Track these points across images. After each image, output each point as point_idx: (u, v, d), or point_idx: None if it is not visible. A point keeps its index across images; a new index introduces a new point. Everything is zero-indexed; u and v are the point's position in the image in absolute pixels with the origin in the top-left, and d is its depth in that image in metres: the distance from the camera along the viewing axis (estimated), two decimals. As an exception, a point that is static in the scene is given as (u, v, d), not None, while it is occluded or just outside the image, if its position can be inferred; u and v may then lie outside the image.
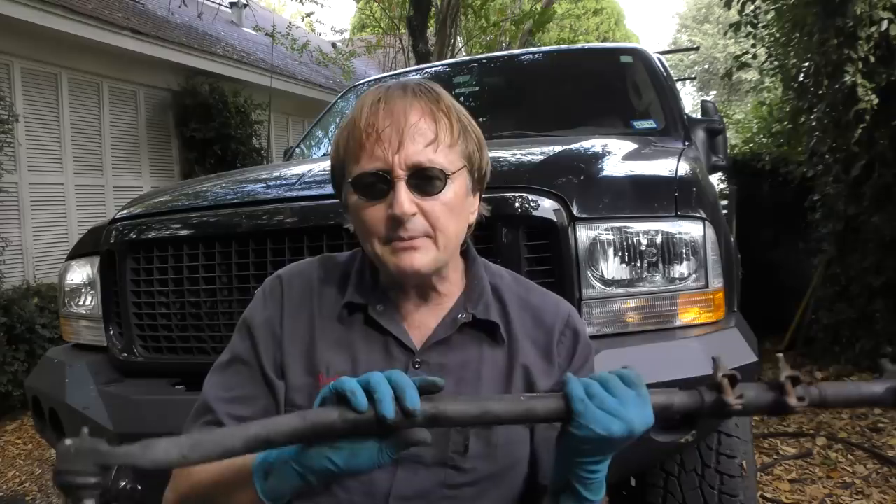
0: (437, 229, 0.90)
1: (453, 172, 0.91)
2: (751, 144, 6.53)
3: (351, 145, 0.91)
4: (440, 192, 0.90)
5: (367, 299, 0.97)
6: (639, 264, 1.60)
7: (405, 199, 0.87)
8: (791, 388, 0.78)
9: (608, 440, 0.76)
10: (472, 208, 0.98)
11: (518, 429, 0.94)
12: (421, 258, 0.89)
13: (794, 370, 0.78)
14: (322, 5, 13.27)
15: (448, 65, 4.04)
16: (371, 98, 0.92)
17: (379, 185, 0.88)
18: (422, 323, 0.97)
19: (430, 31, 9.86)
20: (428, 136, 0.89)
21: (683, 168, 1.81)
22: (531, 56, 3.99)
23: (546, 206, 1.58)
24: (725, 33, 6.08)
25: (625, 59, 3.37)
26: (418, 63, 8.28)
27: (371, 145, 0.88)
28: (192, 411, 0.99)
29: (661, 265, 1.60)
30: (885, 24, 3.62)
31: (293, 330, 0.97)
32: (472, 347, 0.96)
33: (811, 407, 0.79)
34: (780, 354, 0.85)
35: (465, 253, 1.01)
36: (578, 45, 9.25)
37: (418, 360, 0.94)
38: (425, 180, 0.89)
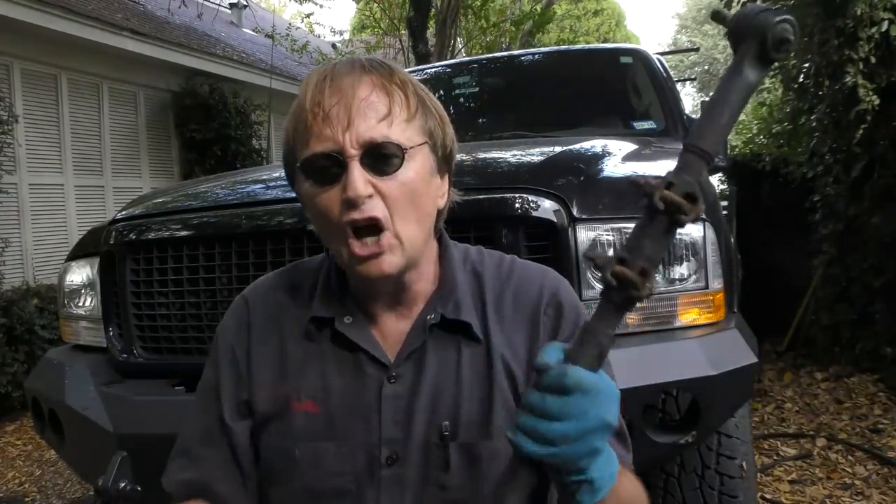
0: (395, 214, 0.81)
1: (411, 148, 0.83)
2: (751, 145, 6.53)
3: (298, 129, 0.83)
4: (397, 170, 0.81)
5: (333, 311, 0.89)
6: (639, 265, 1.59)
7: (359, 178, 0.79)
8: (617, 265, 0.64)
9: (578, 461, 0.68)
10: (441, 192, 0.90)
11: (503, 440, 0.84)
12: (390, 259, 0.82)
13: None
14: (321, 6, 13.27)
15: (448, 65, 4.04)
16: (316, 77, 0.84)
17: (331, 169, 0.81)
18: (394, 329, 0.89)
19: (430, 31, 9.86)
20: (380, 111, 0.81)
21: (683, 169, 1.81)
22: (531, 57, 4.00)
23: (546, 207, 1.58)
24: (726, 34, 6.07)
25: (625, 59, 3.38)
26: (418, 64, 8.28)
27: (319, 126, 0.81)
28: (176, 444, 0.96)
29: (661, 266, 1.60)
30: (885, 25, 3.62)
31: (261, 357, 0.91)
32: (449, 348, 0.88)
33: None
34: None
35: (438, 242, 0.93)
36: (578, 46, 9.25)
37: (393, 374, 0.87)
38: (380, 158, 0.81)
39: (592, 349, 0.66)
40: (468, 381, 0.87)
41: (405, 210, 0.82)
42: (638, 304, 0.66)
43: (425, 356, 0.88)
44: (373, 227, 0.81)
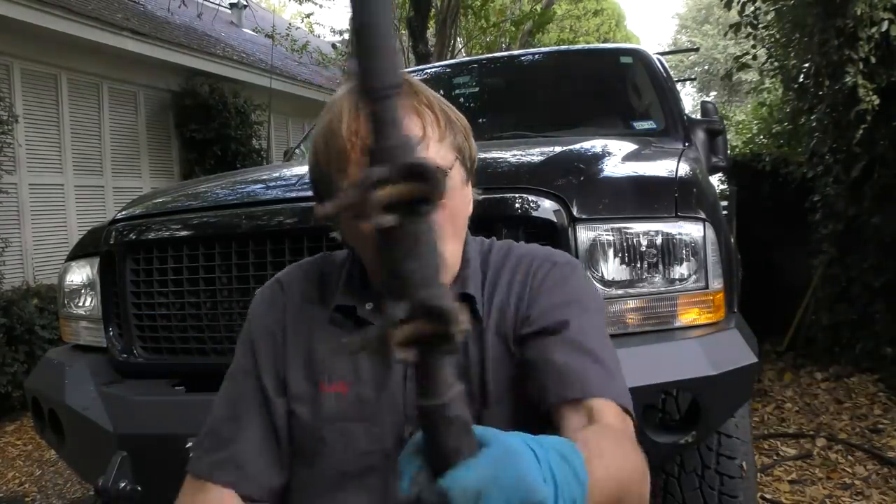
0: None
1: (449, 169, 0.86)
2: (751, 145, 6.53)
3: (334, 155, 0.86)
4: None
5: (355, 300, 0.94)
6: (639, 265, 1.60)
7: None
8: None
9: None
10: (468, 199, 0.94)
11: (500, 407, 0.88)
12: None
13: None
14: (321, 6, 13.27)
15: (448, 66, 4.05)
16: (348, 102, 0.86)
17: None
18: None
19: (430, 31, 9.86)
20: (416, 135, 0.84)
21: (683, 169, 1.81)
22: (531, 57, 4.00)
23: (546, 207, 1.58)
24: (725, 34, 6.08)
25: (625, 59, 3.38)
26: (418, 64, 8.28)
27: (357, 154, 0.83)
28: (201, 432, 0.96)
29: (661, 266, 1.60)
30: (885, 25, 3.62)
31: (295, 338, 0.94)
32: None
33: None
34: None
35: None
36: (578, 46, 9.26)
37: None
38: None
39: (448, 431, 0.49)
40: (472, 354, 0.91)
41: (445, 229, 0.85)
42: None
43: None
44: None
